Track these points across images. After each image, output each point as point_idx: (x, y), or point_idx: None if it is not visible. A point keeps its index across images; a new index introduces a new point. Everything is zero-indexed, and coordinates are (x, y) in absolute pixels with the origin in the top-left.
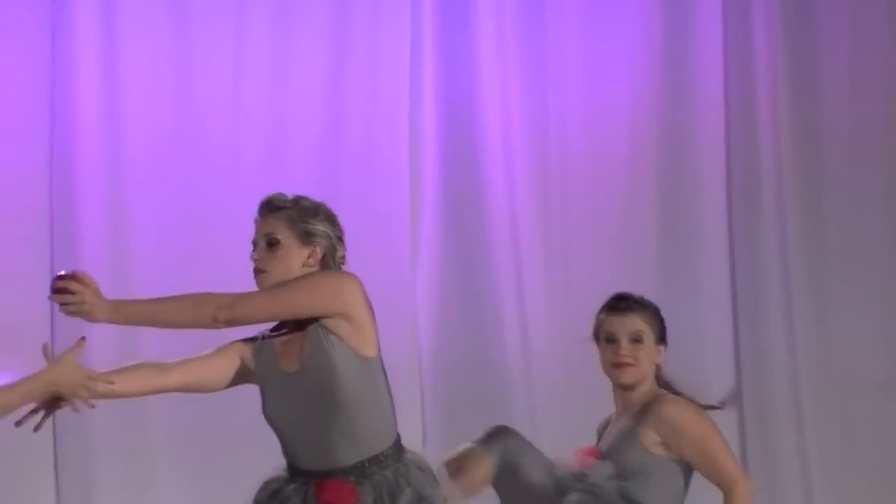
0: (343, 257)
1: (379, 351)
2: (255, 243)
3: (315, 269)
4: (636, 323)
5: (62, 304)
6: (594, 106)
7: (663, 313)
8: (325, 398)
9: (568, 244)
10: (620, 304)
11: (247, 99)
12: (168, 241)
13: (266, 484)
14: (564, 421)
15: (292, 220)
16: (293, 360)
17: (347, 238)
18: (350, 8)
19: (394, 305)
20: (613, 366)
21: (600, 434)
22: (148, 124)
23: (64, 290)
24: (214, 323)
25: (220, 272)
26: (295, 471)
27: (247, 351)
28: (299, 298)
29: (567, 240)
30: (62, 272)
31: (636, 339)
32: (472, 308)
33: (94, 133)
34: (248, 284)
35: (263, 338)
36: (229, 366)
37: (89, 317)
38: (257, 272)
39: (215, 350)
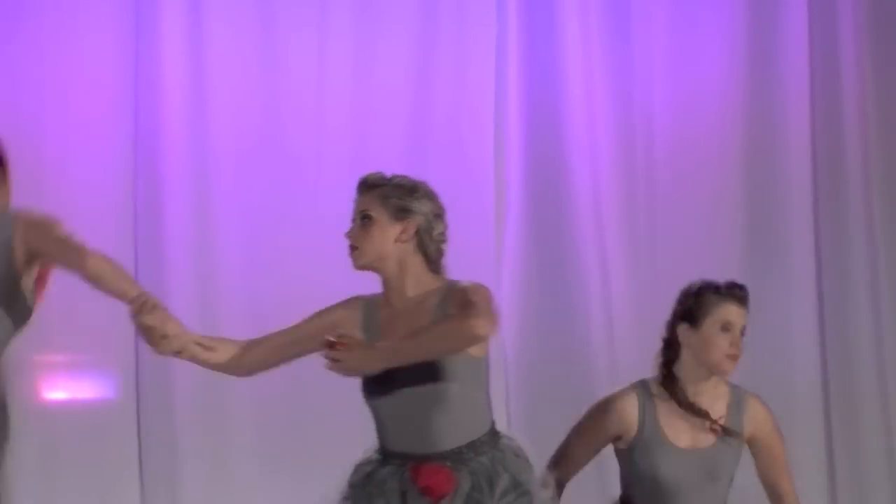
0: (442, 234)
1: (487, 350)
2: (353, 221)
3: (408, 244)
4: (746, 316)
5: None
6: (680, 103)
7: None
8: (433, 388)
9: (653, 240)
10: (741, 293)
11: (331, 97)
12: (253, 239)
13: (359, 466)
14: None
15: (385, 196)
16: None
17: None
18: (435, 2)
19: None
20: (728, 356)
21: None
22: (233, 123)
23: (331, 348)
24: (479, 339)
25: (305, 271)
26: (390, 453)
27: (351, 320)
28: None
29: (652, 236)
30: (331, 338)
31: (743, 334)
32: (556, 302)
33: (178, 134)
34: (335, 282)
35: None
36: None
37: (361, 371)
38: (351, 249)
39: (315, 314)
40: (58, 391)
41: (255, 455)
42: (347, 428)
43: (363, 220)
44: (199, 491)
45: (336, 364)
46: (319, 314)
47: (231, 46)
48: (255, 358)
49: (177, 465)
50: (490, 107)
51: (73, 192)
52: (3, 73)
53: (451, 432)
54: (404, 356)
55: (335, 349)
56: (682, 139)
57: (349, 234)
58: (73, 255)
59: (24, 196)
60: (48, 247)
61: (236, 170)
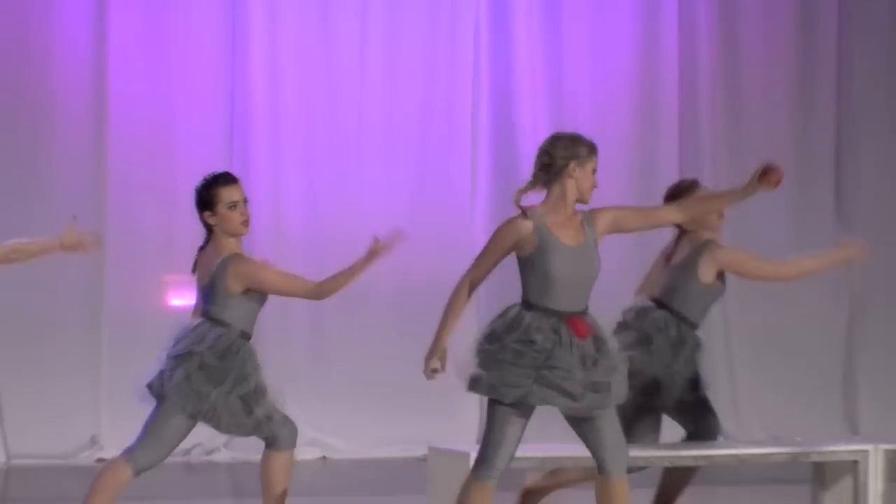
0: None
1: None
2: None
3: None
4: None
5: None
6: (595, 86)
7: None
8: (592, 266)
9: None
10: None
11: (369, 86)
12: (314, 194)
13: (502, 315)
14: None
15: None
16: (573, 239)
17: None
18: (436, 23)
19: (457, 238)
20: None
21: None
22: (299, 108)
23: None
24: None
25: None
26: (547, 311)
27: (525, 229)
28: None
29: None
30: None
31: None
32: None
33: (261, 114)
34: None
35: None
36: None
37: None
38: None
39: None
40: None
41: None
42: None
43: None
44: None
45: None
46: (503, 238)
47: (298, 49)
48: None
49: None
50: (468, 93)
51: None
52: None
53: (588, 296)
54: None
55: None
56: (596, 110)
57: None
58: None
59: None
60: None
61: (303, 144)
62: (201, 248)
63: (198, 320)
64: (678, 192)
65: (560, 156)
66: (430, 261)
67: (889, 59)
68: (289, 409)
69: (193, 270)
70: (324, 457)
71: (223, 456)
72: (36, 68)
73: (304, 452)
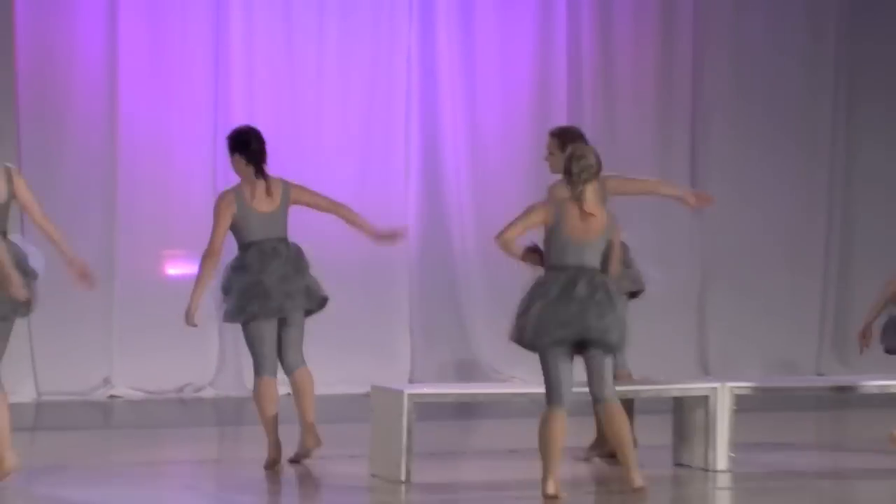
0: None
1: None
2: None
3: None
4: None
5: None
6: (503, 94)
7: None
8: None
9: (486, 175)
10: None
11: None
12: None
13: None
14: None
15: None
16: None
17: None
18: (377, 49)
19: (391, 212)
20: None
21: None
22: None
23: None
24: None
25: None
26: (561, 267)
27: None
28: None
29: (485, 171)
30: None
31: None
32: (440, 226)
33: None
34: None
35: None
36: None
37: None
38: None
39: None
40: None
41: None
42: None
43: None
44: None
45: None
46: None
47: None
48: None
49: None
50: (403, 98)
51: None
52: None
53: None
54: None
55: None
56: (503, 114)
57: None
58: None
59: None
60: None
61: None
62: None
63: None
64: (564, 135)
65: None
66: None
67: (734, 58)
68: None
69: None
70: (288, 393)
71: (209, 392)
72: (60, 81)
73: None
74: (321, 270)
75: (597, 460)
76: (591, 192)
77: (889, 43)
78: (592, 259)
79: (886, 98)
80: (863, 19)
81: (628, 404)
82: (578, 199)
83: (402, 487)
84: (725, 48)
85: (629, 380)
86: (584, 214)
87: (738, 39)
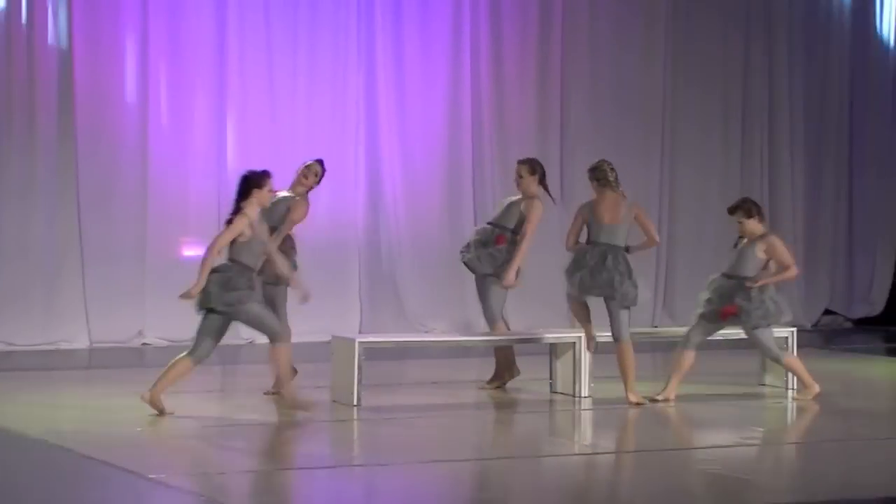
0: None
1: None
2: None
3: None
4: None
5: None
6: (424, 123)
7: None
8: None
9: (414, 183)
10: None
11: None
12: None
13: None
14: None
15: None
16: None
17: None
18: (336, 89)
19: (346, 212)
20: None
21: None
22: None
23: None
24: None
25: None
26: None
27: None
28: None
29: (414, 180)
30: None
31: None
32: (382, 213)
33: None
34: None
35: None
36: None
37: None
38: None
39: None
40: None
41: None
42: None
43: None
44: None
45: None
46: (576, 218)
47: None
48: None
49: None
50: (353, 126)
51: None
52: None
53: None
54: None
55: None
56: (420, 122)
57: None
58: None
59: None
60: None
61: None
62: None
63: None
64: (529, 163)
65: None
66: (327, 222)
67: (592, 60)
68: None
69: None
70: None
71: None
72: (109, 122)
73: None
74: (300, 255)
75: (488, 389)
76: (611, 195)
77: (706, 41)
78: (619, 239)
79: (702, 84)
80: (686, 23)
81: (507, 350)
82: (602, 192)
83: (355, 409)
84: (586, 56)
85: (506, 331)
86: (608, 205)
87: (593, 44)
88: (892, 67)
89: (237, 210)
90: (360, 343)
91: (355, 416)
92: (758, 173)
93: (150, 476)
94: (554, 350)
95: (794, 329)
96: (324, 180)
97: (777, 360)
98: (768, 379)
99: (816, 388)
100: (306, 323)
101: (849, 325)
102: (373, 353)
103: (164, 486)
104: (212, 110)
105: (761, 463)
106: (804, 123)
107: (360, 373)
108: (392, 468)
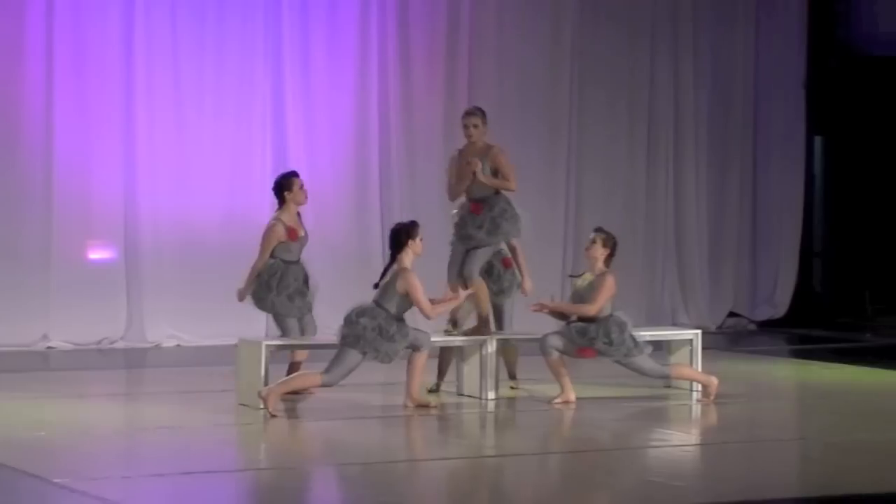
0: None
1: None
2: None
3: None
4: None
5: None
6: (331, 133)
7: None
8: None
9: (322, 190)
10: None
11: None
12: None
13: None
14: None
15: None
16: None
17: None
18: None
19: (253, 217)
20: None
21: None
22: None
23: None
24: None
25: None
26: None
27: None
28: None
29: (321, 187)
30: None
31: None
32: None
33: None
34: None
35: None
36: None
37: None
38: None
39: None
40: None
41: None
42: None
43: None
44: None
45: None
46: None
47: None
48: None
49: None
50: (261, 134)
51: None
52: None
53: None
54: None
55: None
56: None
57: None
58: None
59: None
60: None
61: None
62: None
63: None
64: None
65: None
66: (233, 225)
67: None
68: (162, 316)
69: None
70: (178, 345)
71: (119, 345)
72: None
73: (168, 341)
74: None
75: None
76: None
77: (607, 44)
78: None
79: (607, 84)
80: (590, 30)
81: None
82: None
83: (262, 411)
84: (493, 60)
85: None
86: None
87: (501, 47)
88: (798, 65)
89: (393, 261)
90: (266, 346)
91: (262, 418)
92: (663, 178)
93: (55, 480)
94: (461, 353)
95: (699, 331)
96: (228, 184)
97: (665, 377)
98: (673, 381)
99: (714, 381)
100: (212, 326)
101: (753, 327)
102: (277, 356)
103: (69, 490)
104: (118, 112)
105: (666, 465)
106: (707, 126)
107: (266, 375)
108: (296, 471)
